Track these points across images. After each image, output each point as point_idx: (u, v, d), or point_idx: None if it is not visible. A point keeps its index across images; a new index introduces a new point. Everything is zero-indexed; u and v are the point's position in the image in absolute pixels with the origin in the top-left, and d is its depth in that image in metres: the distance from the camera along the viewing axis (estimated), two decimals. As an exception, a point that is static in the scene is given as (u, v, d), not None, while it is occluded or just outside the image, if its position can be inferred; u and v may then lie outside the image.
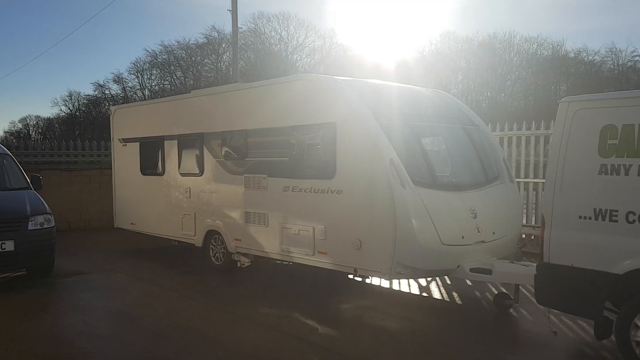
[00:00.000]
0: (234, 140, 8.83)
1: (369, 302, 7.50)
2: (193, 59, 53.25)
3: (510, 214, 7.55)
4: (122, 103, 42.49)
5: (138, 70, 54.73)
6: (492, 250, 7.00)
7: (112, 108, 12.47)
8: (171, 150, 10.20)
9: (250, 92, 8.89)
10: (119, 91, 55.97)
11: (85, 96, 59.05)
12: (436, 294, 7.96)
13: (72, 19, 76.25)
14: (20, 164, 9.66)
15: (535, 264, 5.71)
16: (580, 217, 5.09)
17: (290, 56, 51.53)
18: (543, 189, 7.84)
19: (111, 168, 12.18)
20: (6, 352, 5.60)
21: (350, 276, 8.29)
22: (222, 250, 9.13)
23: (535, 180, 10.55)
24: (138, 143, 11.11)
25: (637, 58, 46.73)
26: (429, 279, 8.49)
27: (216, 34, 49.83)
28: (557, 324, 6.21)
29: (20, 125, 64.93)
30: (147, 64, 54.04)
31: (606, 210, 4.93)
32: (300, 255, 7.70)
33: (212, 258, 9.38)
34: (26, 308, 7.23)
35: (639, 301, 4.83)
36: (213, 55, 52.05)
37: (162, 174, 10.47)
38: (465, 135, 7.81)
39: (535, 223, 10.42)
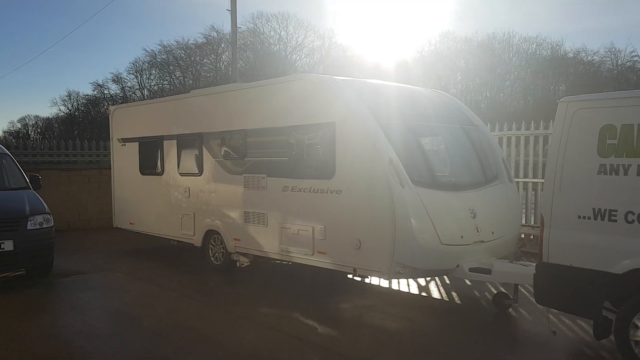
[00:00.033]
0: (233, 140, 8.83)
1: (368, 302, 7.51)
2: (192, 58, 53.27)
3: (510, 213, 7.55)
4: (121, 103, 42.46)
5: (137, 70, 54.82)
6: (491, 250, 7.01)
7: (111, 108, 12.46)
8: (170, 150, 10.20)
9: (250, 92, 8.89)
10: (118, 91, 56.04)
11: (84, 96, 59.15)
12: (435, 294, 7.96)
13: (71, 18, 76.27)
14: (19, 164, 9.66)
15: (534, 264, 5.72)
16: (579, 217, 5.09)
17: (289, 56, 51.54)
18: (542, 189, 7.84)
19: (110, 168, 12.18)
20: (6, 352, 5.60)
21: (350, 276, 8.30)
22: (222, 250, 9.13)
23: (535, 180, 10.55)
24: (137, 143, 11.10)
25: (636, 58, 46.86)
26: (428, 278, 8.49)
27: (215, 33, 49.91)
28: (556, 323, 6.22)
29: (19, 125, 64.99)
30: (146, 64, 54.15)
31: (605, 210, 4.93)
32: (300, 255, 7.70)
33: (212, 258, 9.38)
34: (25, 308, 7.23)
35: (638, 301, 4.84)
36: (212, 55, 52.06)
37: (161, 173, 10.47)
38: (464, 135, 7.81)
39: (534, 223, 10.42)
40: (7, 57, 74.46)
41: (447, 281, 8.46)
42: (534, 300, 5.72)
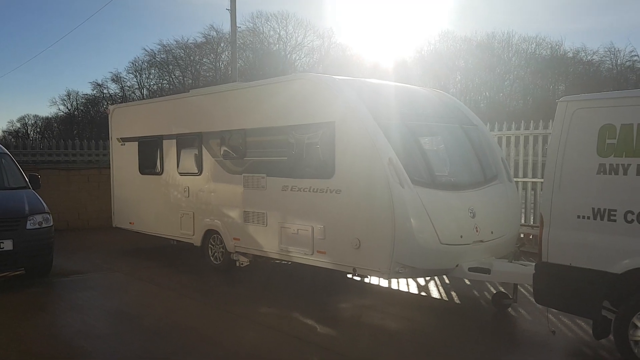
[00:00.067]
0: (232, 139, 8.83)
1: (368, 302, 7.51)
2: (192, 58, 53.23)
3: (509, 213, 7.56)
4: (121, 102, 42.47)
5: (136, 69, 54.79)
6: (490, 250, 7.01)
7: (111, 107, 12.45)
8: (170, 149, 10.19)
9: (249, 91, 8.88)
10: (117, 90, 55.99)
11: (83, 95, 59.09)
12: (435, 294, 7.97)
13: (71, 18, 76.36)
14: (18, 163, 9.65)
15: (533, 264, 5.72)
16: (578, 216, 5.10)
17: (289, 55, 51.53)
18: (541, 189, 7.85)
19: (110, 167, 12.18)
20: (5, 352, 5.60)
21: (349, 275, 8.30)
22: (221, 249, 9.13)
23: (534, 179, 10.56)
24: (137, 142, 11.10)
25: (635, 58, 46.84)
26: (427, 278, 8.50)
27: (215, 33, 49.87)
28: (555, 323, 6.23)
29: (18, 125, 64.92)
30: (146, 63, 54.10)
31: (605, 209, 4.94)
32: (299, 255, 7.70)
33: (211, 257, 9.37)
34: (25, 307, 7.22)
35: (638, 300, 4.84)
36: (212, 55, 52.04)
37: (160, 173, 10.46)
38: (463, 135, 7.81)
39: (533, 222, 10.43)
40: (7, 56, 74.54)
41: (447, 281, 8.47)
42: (533, 299, 5.73)
